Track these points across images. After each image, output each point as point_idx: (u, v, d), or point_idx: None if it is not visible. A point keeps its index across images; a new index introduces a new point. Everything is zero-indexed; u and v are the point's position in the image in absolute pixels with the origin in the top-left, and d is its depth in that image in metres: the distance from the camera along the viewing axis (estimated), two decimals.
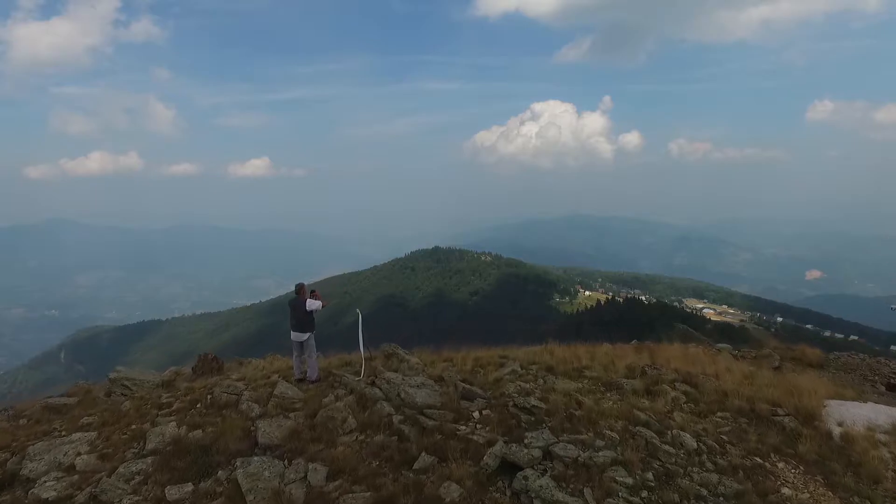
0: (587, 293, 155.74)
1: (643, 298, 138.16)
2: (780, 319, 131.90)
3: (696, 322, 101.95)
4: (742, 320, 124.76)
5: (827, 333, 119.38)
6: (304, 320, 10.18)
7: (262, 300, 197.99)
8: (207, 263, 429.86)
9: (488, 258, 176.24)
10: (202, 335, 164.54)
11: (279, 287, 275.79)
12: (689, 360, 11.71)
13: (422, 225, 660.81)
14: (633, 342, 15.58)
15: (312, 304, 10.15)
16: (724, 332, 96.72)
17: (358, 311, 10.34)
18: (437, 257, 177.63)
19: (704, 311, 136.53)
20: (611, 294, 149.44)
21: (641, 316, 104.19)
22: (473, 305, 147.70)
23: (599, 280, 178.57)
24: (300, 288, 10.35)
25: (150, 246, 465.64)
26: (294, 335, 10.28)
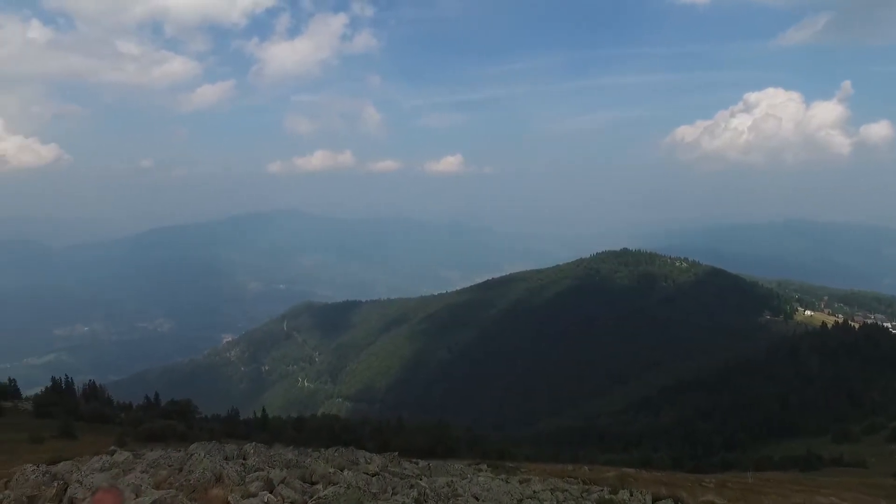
0: (808, 313, 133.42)
1: (888, 326, 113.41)
2: None
3: None
4: None
5: None
6: None
7: (448, 290, 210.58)
8: (402, 252, 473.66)
9: (684, 264, 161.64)
10: (397, 316, 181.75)
11: (464, 279, 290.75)
12: None
13: (609, 224, 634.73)
14: None
15: None
16: None
17: None
18: (624, 259, 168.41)
19: None
20: (840, 316, 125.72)
21: (886, 349, 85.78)
22: (664, 316, 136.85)
23: (825, 298, 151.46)
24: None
25: (356, 234, 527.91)
26: None
